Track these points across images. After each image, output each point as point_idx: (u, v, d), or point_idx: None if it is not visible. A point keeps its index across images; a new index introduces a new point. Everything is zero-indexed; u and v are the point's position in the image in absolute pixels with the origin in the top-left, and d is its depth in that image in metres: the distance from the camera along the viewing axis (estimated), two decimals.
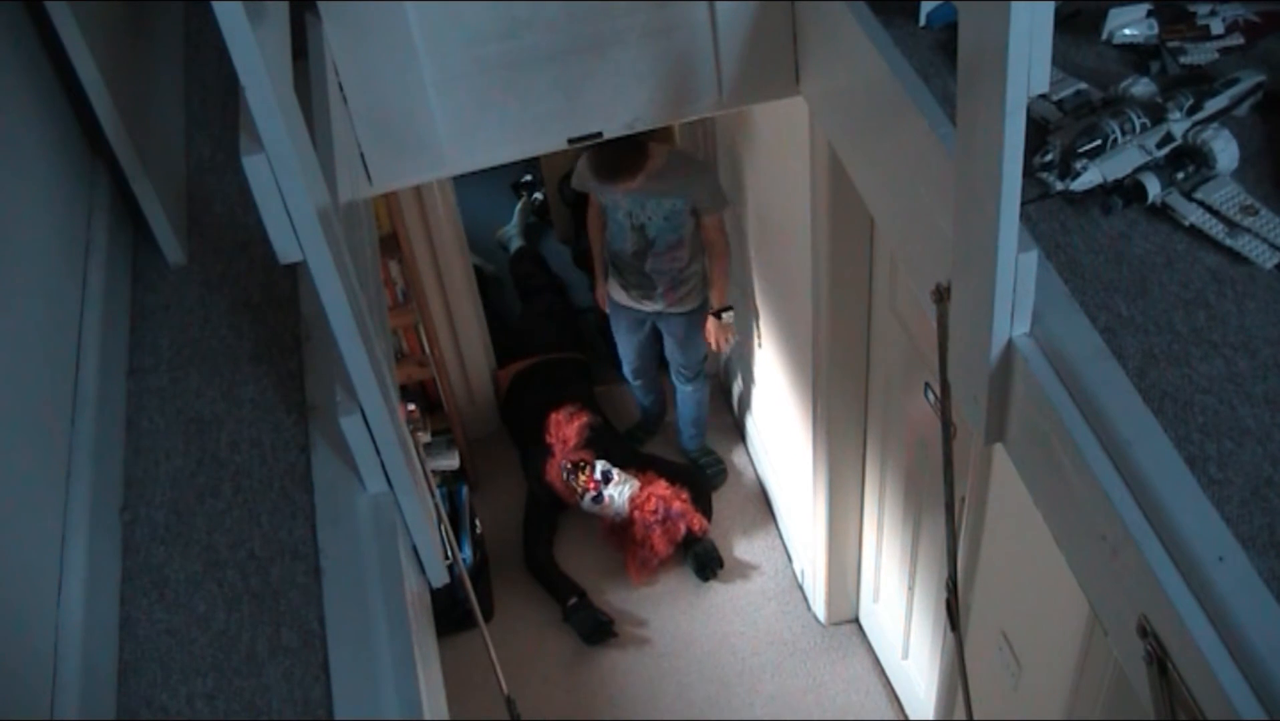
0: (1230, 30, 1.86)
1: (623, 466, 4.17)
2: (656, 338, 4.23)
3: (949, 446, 1.87)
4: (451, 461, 4.27)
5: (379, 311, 2.01)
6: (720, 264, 3.89)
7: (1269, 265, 1.54)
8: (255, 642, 1.54)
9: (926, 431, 2.96)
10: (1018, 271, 1.46)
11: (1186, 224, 1.61)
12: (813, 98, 2.36)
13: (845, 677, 3.88)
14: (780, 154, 3.20)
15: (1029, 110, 1.36)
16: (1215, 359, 1.46)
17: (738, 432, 4.64)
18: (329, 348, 1.55)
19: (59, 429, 1.65)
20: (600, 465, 4.13)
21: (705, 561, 4.15)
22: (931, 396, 2.84)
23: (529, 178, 5.59)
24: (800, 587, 4.15)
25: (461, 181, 3.99)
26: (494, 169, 2.58)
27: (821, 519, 3.72)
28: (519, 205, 5.53)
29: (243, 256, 2.04)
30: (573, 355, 4.74)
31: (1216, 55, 1.84)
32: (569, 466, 4.15)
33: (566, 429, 4.22)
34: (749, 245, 3.98)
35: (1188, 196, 1.63)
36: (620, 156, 3.49)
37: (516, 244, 5.38)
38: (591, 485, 4.09)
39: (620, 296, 4.06)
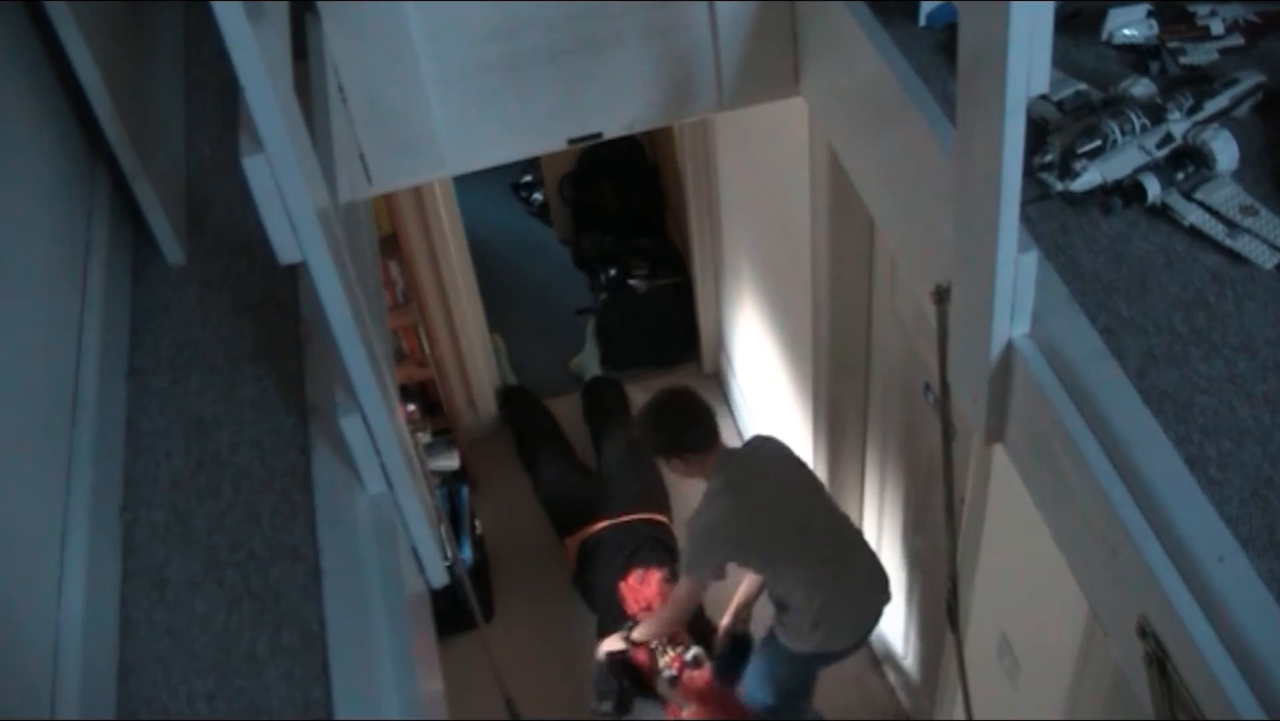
0: (1230, 30, 1.86)
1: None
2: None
3: (949, 446, 1.87)
4: (451, 461, 4.26)
5: (379, 312, 2.01)
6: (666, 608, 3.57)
7: (1269, 265, 1.54)
8: (255, 643, 1.54)
9: (926, 431, 2.96)
10: (1018, 271, 1.46)
11: (1186, 224, 1.61)
12: (813, 98, 2.36)
13: (845, 677, 3.88)
14: (780, 154, 3.20)
15: (1029, 110, 1.36)
16: (1215, 359, 1.46)
17: (738, 432, 4.64)
18: (329, 348, 1.55)
19: (59, 429, 1.64)
20: (694, 650, 3.64)
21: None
22: (931, 396, 2.84)
23: (529, 178, 5.59)
24: None
25: (461, 181, 3.99)
26: (494, 169, 2.58)
27: None
28: (589, 330, 4.93)
29: (243, 257, 2.04)
30: (652, 516, 4.07)
31: (1216, 55, 1.83)
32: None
33: (643, 591, 3.79)
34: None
35: (1188, 197, 1.63)
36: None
37: (593, 372, 4.85)
38: (676, 664, 3.64)
39: None
